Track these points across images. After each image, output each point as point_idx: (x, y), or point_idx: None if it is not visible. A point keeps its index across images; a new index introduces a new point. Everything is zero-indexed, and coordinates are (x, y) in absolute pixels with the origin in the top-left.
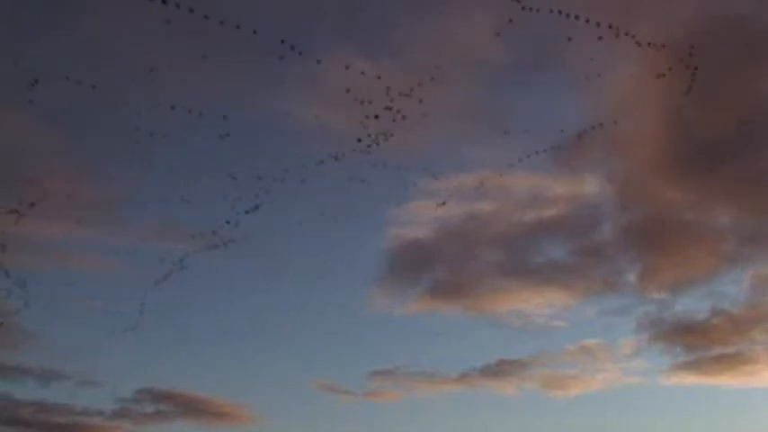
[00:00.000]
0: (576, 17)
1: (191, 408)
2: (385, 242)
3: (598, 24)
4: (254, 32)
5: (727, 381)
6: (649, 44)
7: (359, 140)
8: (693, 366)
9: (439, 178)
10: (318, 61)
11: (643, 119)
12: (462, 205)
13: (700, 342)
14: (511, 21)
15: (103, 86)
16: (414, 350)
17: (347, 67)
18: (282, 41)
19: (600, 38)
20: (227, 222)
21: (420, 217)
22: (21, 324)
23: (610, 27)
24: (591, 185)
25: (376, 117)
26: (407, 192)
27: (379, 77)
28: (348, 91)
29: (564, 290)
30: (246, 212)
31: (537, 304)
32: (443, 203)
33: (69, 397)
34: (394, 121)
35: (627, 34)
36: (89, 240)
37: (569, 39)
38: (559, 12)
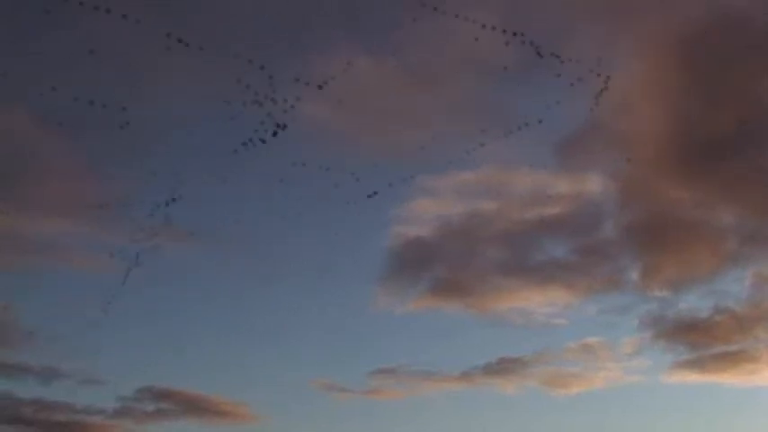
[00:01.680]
0: None
1: (192, 406)
2: (387, 240)
3: None
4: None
5: (730, 379)
6: None
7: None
8: (695, 364)
9: (441, 177)
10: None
11: (646, 117)
12: (464, 203)
13: (702, 340)
14: None
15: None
16: (415, 348)
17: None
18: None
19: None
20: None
21: (422, 215)
22: (21, 322)
23: None
24: (593, 184)
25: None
26: (409, 190)
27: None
28: None
29: (566, 288)
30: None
31: (539, 302)
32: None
33: (70, 395)
34: None
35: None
36: (89, 240)
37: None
38: None
